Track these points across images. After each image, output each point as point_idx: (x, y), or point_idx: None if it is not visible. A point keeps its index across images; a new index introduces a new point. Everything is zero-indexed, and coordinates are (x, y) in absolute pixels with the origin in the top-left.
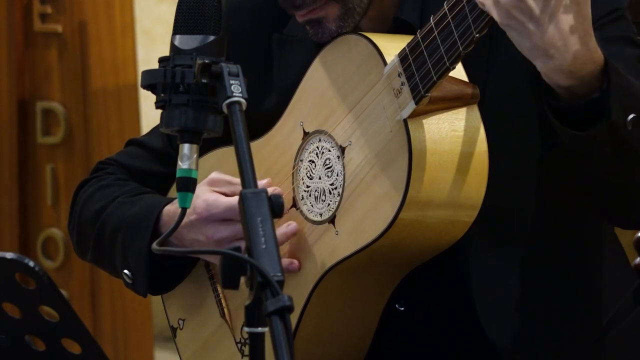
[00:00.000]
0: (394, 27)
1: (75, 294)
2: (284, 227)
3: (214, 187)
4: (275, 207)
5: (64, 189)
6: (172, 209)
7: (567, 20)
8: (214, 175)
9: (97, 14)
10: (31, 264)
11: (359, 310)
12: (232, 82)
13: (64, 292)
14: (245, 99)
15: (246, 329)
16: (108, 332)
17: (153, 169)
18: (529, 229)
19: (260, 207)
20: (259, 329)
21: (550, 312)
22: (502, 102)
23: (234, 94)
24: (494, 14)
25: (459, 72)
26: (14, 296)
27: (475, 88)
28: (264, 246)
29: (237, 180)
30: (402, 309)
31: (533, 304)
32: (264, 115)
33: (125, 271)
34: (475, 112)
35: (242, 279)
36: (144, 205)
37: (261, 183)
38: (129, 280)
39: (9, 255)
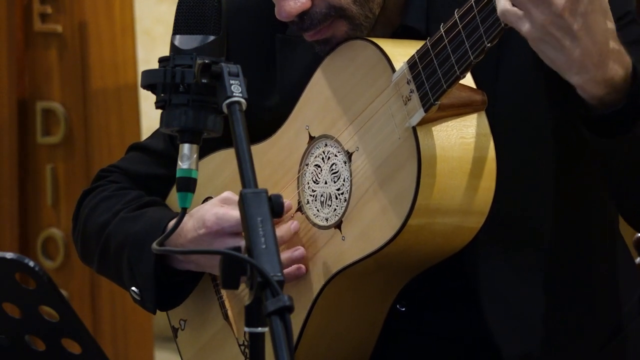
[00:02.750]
0: (400, 32)
1: (75, 294)
2: (290, 252)
3: (224, 204)
4: (276, 207)
5: (64, 189)
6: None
7: (600, 29)
8: (227, 194)
9: (97, 14)
10: (31, 264)
11: (364, 313)
12: (232, 82)
13: (64, 292)
14: (245, 99)
15: (246, 329)
16: (108, 332)
17: (156, 172)
18: (539, 235)
19: (260, 207)
20: (259, 329)
21: (558, 317)
22: (512, 109)
23: (234, 94)
24: (524, 29)
25: (467, 78)
26: (14, 296)
27: (484, 95)
28: (264, 246)
29: None
30: (403, 309)
31: (542, 309)
32: (266, 115)
33: (133, 288)
34: (483, 119)
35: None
36: (147, 221)
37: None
38: (137, 297)
39: (9, 255)
